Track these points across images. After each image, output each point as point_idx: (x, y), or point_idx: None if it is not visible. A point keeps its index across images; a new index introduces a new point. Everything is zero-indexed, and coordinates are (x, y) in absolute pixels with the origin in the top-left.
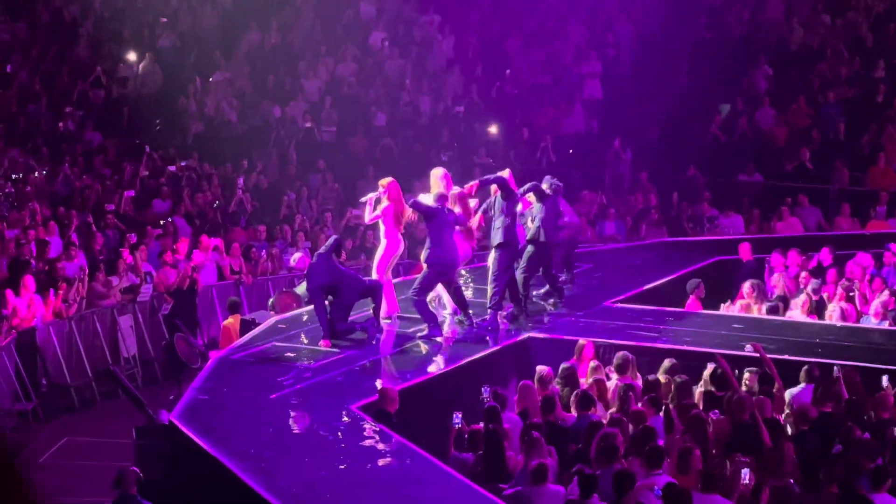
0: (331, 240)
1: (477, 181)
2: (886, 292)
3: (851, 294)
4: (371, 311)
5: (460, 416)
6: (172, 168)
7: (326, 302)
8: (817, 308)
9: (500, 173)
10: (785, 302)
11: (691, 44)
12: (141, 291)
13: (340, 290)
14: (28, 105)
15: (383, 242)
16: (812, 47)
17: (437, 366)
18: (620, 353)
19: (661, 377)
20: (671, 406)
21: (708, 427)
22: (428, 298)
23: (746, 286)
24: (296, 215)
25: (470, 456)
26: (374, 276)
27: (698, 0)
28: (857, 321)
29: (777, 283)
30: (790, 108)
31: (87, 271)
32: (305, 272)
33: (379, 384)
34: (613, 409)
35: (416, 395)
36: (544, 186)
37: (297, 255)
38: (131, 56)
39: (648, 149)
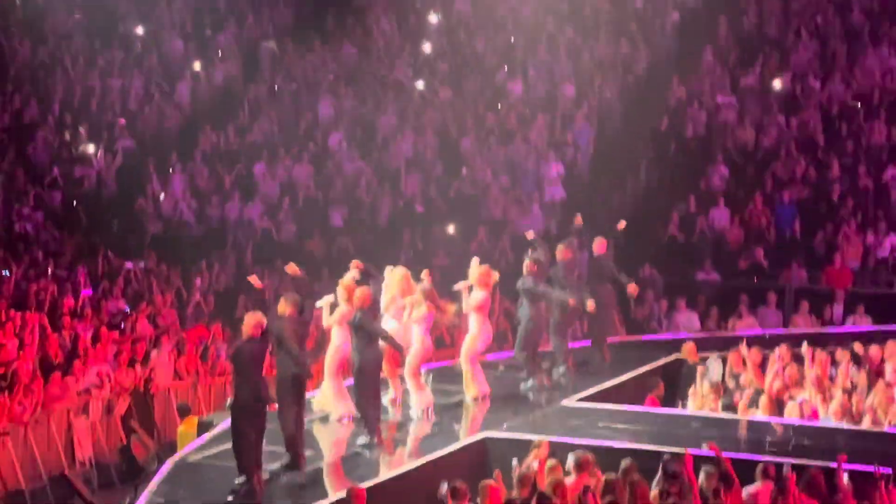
0: None
1: None
2: (840, 391)
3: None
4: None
5: None
6: (130, 265)
7: None
8: (777, 406)
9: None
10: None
11: (649, 144)
12: (97, 393)
13: None
14: None
15: (335, 343)
16: (767, 147)
17: (393, 466)
18: (578, 452)
19: (621, 478)
20: None
21: None
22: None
23: (705, 385)
24: None
25: None
26: (326, 377)
27: (656, 100)
28: (818, 420)
29: (746, 382)
30: (746, 207)
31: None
32: None
33: (331, 485)
34: None
35: (373, 496)
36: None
37: None
38: (89, 157)
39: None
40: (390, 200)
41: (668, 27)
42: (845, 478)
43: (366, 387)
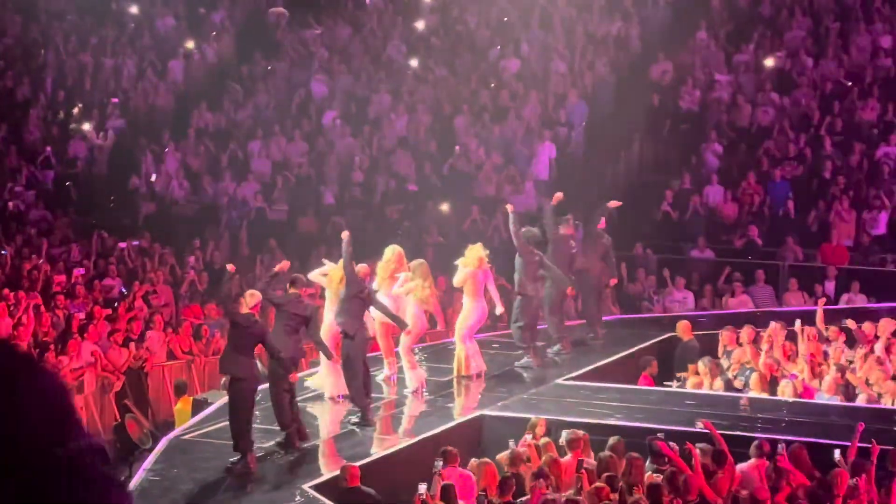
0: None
1: None
2: (834, 367)
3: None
4: None
5: (425, 486)
6: (123, 245)
7: None
8: (770, 383)
9: None
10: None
11: (643, 121)
12: (91, 372)
13: None
14: None
15: (327, 321)
16: (760, 125)
17: (387, 444)
18: (571, 431)
19: (614, 455)
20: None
21: None
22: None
23: (701, 364)
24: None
25: None
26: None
27: (649, 77)
28: (812, 397)
29: (739, 359)
30: (740, 184)
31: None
32: None
33: (325, 463)
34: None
35: (367, 474)
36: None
37: None
38: (82, 136)
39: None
40: (384, 178)
41: (662, 3)
42: (837, 454)
43: (353, 364)
